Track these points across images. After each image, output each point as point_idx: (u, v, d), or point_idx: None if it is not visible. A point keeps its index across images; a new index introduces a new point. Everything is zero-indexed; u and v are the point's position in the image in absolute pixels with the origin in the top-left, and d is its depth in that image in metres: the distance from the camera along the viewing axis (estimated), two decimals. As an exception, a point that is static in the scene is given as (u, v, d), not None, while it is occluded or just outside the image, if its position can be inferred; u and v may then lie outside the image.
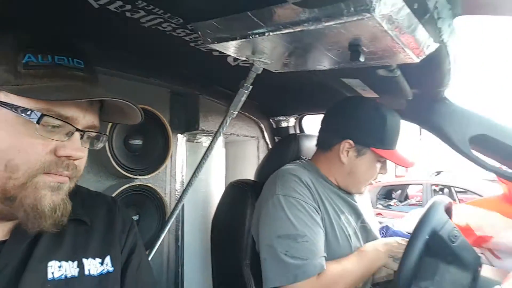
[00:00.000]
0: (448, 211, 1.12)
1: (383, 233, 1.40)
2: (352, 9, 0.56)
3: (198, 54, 1.04)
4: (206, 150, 1.05)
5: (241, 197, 1.26)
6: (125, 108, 0.63)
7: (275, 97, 1.65)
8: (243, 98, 0.97)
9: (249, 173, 1.78)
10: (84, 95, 0.58)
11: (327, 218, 1.09)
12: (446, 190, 6.37)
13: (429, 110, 1.27)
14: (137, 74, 1.28)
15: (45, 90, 0.56)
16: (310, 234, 1.02)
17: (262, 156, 1.86)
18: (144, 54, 1.16)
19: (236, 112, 1.00)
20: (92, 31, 0.92)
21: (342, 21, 0.59)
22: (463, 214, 1.36)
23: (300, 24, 0.63)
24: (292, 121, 1.90)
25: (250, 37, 0.72)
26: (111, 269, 0.68)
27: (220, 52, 0.87)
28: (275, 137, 1.92)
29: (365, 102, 1.18)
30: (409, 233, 1.35)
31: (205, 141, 1.62)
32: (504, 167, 1.25)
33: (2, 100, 0.55)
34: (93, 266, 0.66)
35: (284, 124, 1.89)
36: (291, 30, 0.66)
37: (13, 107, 0.54)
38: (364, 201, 1.32)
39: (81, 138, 0.60)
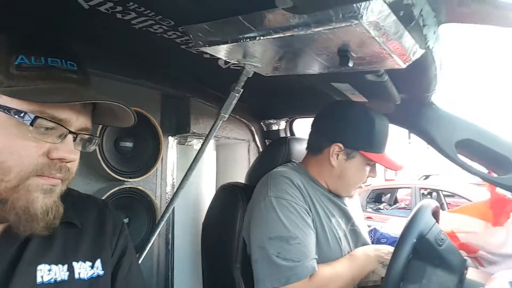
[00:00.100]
0: (435, 214, 1.15)
1: (371, 236, 1.42)
2: (340, 15, 0.57)
3: (189, 57, 1.04)
4: (197, 152, 1.06)
5: (232, 200, 1.26)
6: (118, 111, 0.64)
7: (266, 101, 1.66)
8: (234, 101, 0.98)
9: (240, 176, 1.79)
10: (78, 98, 0.58)
11: (318, 221, 1.10)
12: (434, 193, 6.46)
13: (416, 114, 1.29)
14: (128, 76, 1.28)
15: (38, 92, 0.55)
16: (302, 236, 1.02)
17: (253, 159, 1.86)
18: (135, 56, 1.16)
19: (227, 115, 1.01)
20: (82, 32, 0.92)
21: (331, 27, 0.60)
22: (448, 221, 1.39)
23: (290, 29, 0.64)
24: (282, 124, 1.91)
25: (241, 41, 0.73)
26: (101, 272, 0.68)
27: (211, 55, 0.88)
28: (266, 140, 1.93)
29: (354, 106, 1.20)
30: (396, 235, 1.37)
31: (196, 143, 1.62)
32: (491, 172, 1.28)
33: None
34: (83, 270, 0.66)
35: (274, 127, 1.90)
36: (282, 35, 0.67)
37: (6, 109, 0.54)
38: (354, 204, 1.33)
39: (74, 140, 0.60)
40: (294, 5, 0.52)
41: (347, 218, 1.22)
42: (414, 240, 0.97)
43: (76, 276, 0.64)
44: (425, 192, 6.66)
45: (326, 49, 0.74)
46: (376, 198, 7.40)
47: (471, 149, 1.26)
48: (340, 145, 1.15)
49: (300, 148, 1.35)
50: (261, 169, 1.26)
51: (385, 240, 1.41)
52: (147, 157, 1.33)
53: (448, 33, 0.83)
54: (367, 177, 1.21)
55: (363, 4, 0.55)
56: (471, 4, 0.63)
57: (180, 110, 1.48)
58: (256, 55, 0.84)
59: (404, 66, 0.79)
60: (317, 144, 1.22)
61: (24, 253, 0.59)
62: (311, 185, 1.17)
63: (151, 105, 1.40)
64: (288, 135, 1.93)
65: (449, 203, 6.22)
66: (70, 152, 0.59)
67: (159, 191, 1.45)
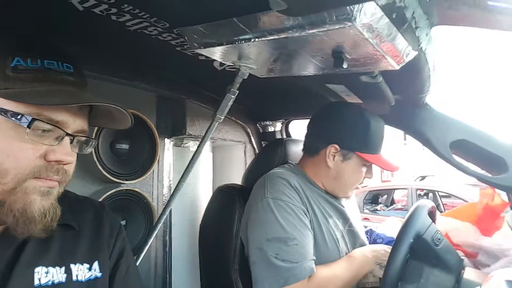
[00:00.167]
0: (432, 214, 1.15)
1: (367, 237, 1.43)
2: (334, 17, 0.58)
3: (184, 58, 1.04)
4: (193, 154, 1.06)
5: (229, 201, 1.26)
6: (115, 113, 0.64)
7: (261, 102, 1.66)
8: (230, 103, 0.99)
9: (236, 177, 1.79)
10: (75, 100, 0.58)
11: (315, 222, 1.11)
12: (430, 194, 6.49)
13: (411, 115, 1.30)
14: (123, 78, 1.28)
15: (35, 94, 0.56)
16: (300, 237, 1.02)
17: (249, 161, 1.86)
18: (130, 57, 1.16)
19: (223, 117, 1.01)
20: (76, 34, 0.92)
21: (325, 29, 0.61)
22: (441, 224, 1.40)
23: (285, 31, 0.65)
24: (278, 126, 1.92)
25: (236, 42, 0.73)
26: (99, 274, 0.68)
27: (206, 56, 0.88)
28: (262, 142, 1.93)
29: (350, 107, 1.21)
30: (392, 236, 1.38)
31: (192, 145, 1.62)
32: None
33: None
34: (81, 272, 0.66)
35: (270, 129, 1.91)
36: (276, 37, 0.67)
37: (2, 111, 0.54)
38: (351, 205, 1.34)
39: (71, 142, 0.60)
40: (288, 8, 0.52)
41: (344, 219, 1.22)
42: (411, 240, 0.98)
43: (74, 278, 0.64)
44: (422, 193, 6.69)
45: (321, 50, 0.74)
46: (373, 199, 7.42)
47: (466, 150, 1.27)
48: (336, 146, 1.15)
49: (296, 150, 1.35)
50: (257, 171, 1.26)
51: (381, 240, 1.42)
52: (143, 159, 1.33)
53: (441, 35, 0.84)
54: (364, 178, 1.22)
55: (356, 6, 0.56)
56: (462, 7, 0.64)
57: (176, 112, 1.48)
58: (251, 56, 0.84)
59: (397, 67, 0.80)
60: (313, 146, 1.22)
61: (22, 255, 0.59)
62: (308, 186, 1.17)
63: (147, 107, 1.40)
64: (284, 136, 1.93)
65: (445, 204, 6.25)
66: (67, 154, 0.59)
67: (156, 193, 1.45)
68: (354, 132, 1.15)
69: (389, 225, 1.54)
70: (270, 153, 1.35)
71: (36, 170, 0.56)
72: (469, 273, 1.00)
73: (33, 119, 0.54)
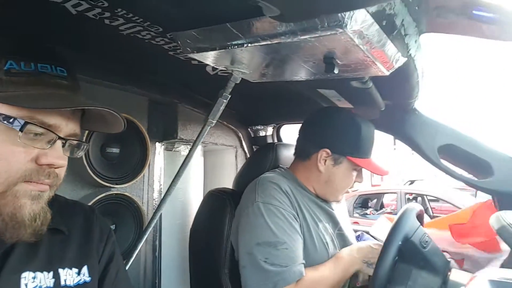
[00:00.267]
0: (419, 217, 1.17)
1: (358, 241, 1.44)
2: (326, 24, 0.59)
3: (177, 63, 1.04)
4: (185, 158, 1.05)
5: (220, 205, 1.26)
6: (107, 117, 0.64)
7: (253, 107, 1.67)
8: (222, 107, 0.99)
9: (227, 182, 1.79)
10: (68, 104, 0.58)
11: (305, 226, 1.11)
12: (419, 198, 6.57)
13: (400, 120, 1.33)
14: (115, 81, 1.27)
15: (28, 98, 0.55)
16: (290, 241, 1.03)
17: (240, 165, 1.87)
18: (123, 61, 1.16)
19: (215, 121, 1.01)
20: (69, 38, 0.92)
21: (317, 35, 0.62)
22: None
23: (277, 36, 0.66)
24: (270, 130, 1.93)
25: (229, 47, 0.74)
26: (88, 279, 0.67)
27: (199, 61, 0.89)
28: (253, 146, 1.94)
29: (341, 112, 1.22)
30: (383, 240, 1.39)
31: (183, 149, 1.61)
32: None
33: None
34: (70, 277, 0.65)
35: (262, 133, 1.92)
36: (269, 42, 0.68)
37: None
38: (341, 209, 1.35)
39: (63, 146, 0.60)
40: (281, 14, 0.53)
41: (334, 222, 1.23)
42: (400, 243, 0.99)
43: (62, 283, 0.63)
44: (411, 197, 6.77)
45: (312, 56, 0.75)
46: (363, 203, 7.48)
47: (453, 154, 1.30)
48: (328, 150, 1.16)
49: (287, 154, 1.36)
50: (248, 175, 1.26)
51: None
52: (134, 163, 1.32)
53: (430, 43, 0.87)
54: (354, 182, 1.23)
55: (347, 13, 0.57)
56: (449, 15, 0.66)
57: (168, 116, 1.48)
58: (244, 61, 0.85)
59: (387, 73, 0.81)
60: (304, 150, 1.23)
61: (8, 261, 0.58)
62: (299, 190, 1.18)
63: (138, 111, 1.40)
64: (275, 141, 1.94)
65: (434, 208, 6.35)
66: (59, 158, 0.58)
67: (146, 197, 1.44)
68: (345, 137, 1.16)
69: (381, 227, 1.55)
70: (261, 157, 1.35)
71: (28, 173, 0.56)
72: (455, 275, 1.02)
73: (26, 123, 0.54)
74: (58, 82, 0.59)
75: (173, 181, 1.07)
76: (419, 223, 1.10)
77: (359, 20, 0.58)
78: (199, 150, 1.76)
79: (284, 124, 1.94)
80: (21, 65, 0.56)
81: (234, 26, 0.69)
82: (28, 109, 0.55)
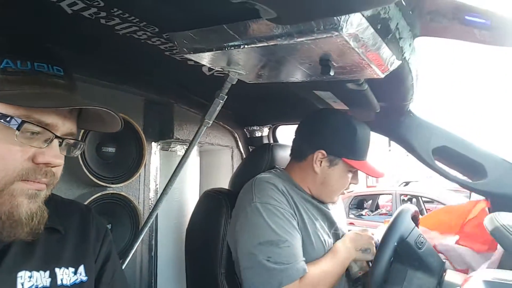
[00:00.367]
0: (415, 218, 1.18)
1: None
2: (322, 27, 0.60)
3: (173, 63, 1.05)
4: (181, 158, 1.06)
5: (216, 205, 1.27)
6: (104, 116, 0.64)
7: (249, 107, 1.68)
8: (218, 108, 0.99)
9: (223, 182, 1.79)
10: (66, 103, 0.58)
11: (302, 225, 1.12)
12: (414, 199, 6.61)
13: (395, 122, 1.34)
14: (111, 81, 1.27)
15: (25, 97, 0.55)
16: (291, 238, 1.04)
17: (236, 165, 1.87)
18: (118, 61, 1.16)
19: (211, 121, 1.01)
20: (65, 37, 0.91)
21: (313, 37, 0.63)
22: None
23: (274, 38, 0.66)
24: (266, 131, 1.93)
25: (226, 49, 0.74)
26: (84, 278, 0.67)
27: (195, 62, 0.89)
28: (249, 147, 1.94)
29: (337, 114, 1.23)
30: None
31: (179, 149, 1.61)
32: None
33: None
34: (66, 276, 0.65)
35: (258, 134, 1.92)
36: (265, 44, 0.69)
37: None
38: (337, 210, 1.36)
39: (60, 145, 0.60)
40: (278, 16, 0.53)
41: (330, 222, 1.24)
42: (395, 244, 1.00)
43: (59, 282, 0.63)
44: (405, 198, 6.81)
45: (309, 58, 0.76)
46: (358, 204, 7.51)
47: (448, 156, 1.31)
48: (323, 152, 1.17)
49: (283, 155, 1.37)
50: (244, 175, 1.27)
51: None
52: (130, 162, 1.32)
53: (424, 46, 0.88)
54: (349, 183, 1.24)
55: (343, 17, 0.58)
56: (442, 20, 0.67)
57: (164, 116, 1.47)
58: (240, 62, 0.85)
59: (382, 76, 0.82)
60: (300, 151, 1.24)
61: (4, 260, 0.58)
62: (295, 191, 1.19)
63: (134, 110, 1.40)
64: (271, 141, 1.95)
65: (428, 209, 6.37)
66: (56, 156, 0.59)
67: (142, 197, 1.44)
68: (341, 138, 1.17)
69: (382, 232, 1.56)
70: (257, 158, 1.36)
71: (24, 172, 0.56)
72: (450, 275, 1.04)
73: (23, 122, 0.54)
74: (54, 81, 0.59)
75: (169, 181, 1.07)
76: (414, 224, 1.11)
77: (354, 24, 0.59)
78: (195, 150, 1.76)
79: (280, 125, 1.95)
80: (18, 64, 0.56)
81: (231, 27, 0.69)
82: (25, 108, 0.55)
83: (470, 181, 1.31)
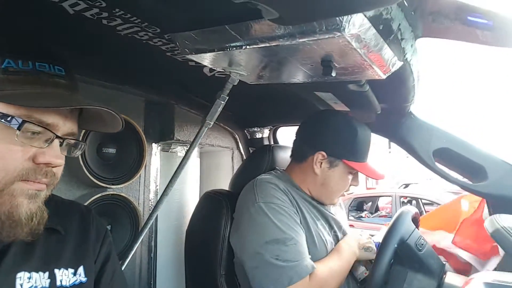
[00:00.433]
0: (415, 220, 1.18)
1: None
2: (324, 27, 0.60)
3: (174, 64, 1.05)
4: (182, 159, 1.05)
5: (216, 207, 1.26)
6: (105, 116, 0.64)
7: (249, 109, 1.68)
8: (220, 109, 0.99)
9: (224, 183, 1.79)
10: (67, 103, 0.58)
11: (304, 224, 1.12)
12: (414, 202, 6.60)
13: (396, 124, 1.34)
14: (112, 82, 1.27)
15: (26, 96, 0.55)
16: (296, 236, 1.03)
17: (236, 167, 1.87)
18: (120, 62, 1.16)
19: (212, 122, 1.01)
20: (66, 37, 0.91)
21: (315, 38, 0.63)
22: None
23: (276, 39, 0.66)
24: (266, 132, 1.93)
25: (228, 49, 0.74)
26: (84, 279, 0.67)
27: (196, 62, 0.89)
28: (250, 148, 1.94)
29: (338, 115, 1.23)
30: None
31: (179, 151, 1.61)
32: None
33: None
34: (66, 277, 0.64)
35: (258, 135, 1.92)
36: (267, 45, 0.69)
37: None
38: (338, 212, 1.35)
39: (61, 145, 0.60)
40: (280, 17, 0.53)
41: (331, 224, 1.24)
42: (396, 245, 1.00)
43: (58, 283, 0.63)
44: (405, 200, 6.80)
45: (310, 59, 0.76)
46: (358, 206, 7.51)
47: (448, 158, 1.31)
48: (324, 153, 1.17)
49: (283, 156, 1.36)
50: (245, 177, 1.26)
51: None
52: (130, 163, 1.31)
53: (425, 47, 0.88)
54: (350, 185, 1.24)
55: (345, 17, 0.58)
56: (444, 21, 0.67)
57: (164, 117, 1.47)
58: (242, 63, 0.85)
59: (384, 77, 0.82)
60: (301, 152, 1.24)
61: (3, 261, 0.58)
62: (296, 192, 1.19)
63: (135, 111, 1.40)
64: (272, 143, 1.95)
65: (428, 211, 6.36)
66: (56, 157, 0.58)
67: (142, 198, 1.43)
68: (341, 140, 1.17)
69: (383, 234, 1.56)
70: (258, 159, 1.35)
71: (25, 172, 0.55)
72: (450, 278, 1.03)
73: (24, 121, 0.54)
74: (56, 81, 0.59)
75: (170, 182, 1.07)
76: (414, 226, 1.11)
77: (356, 24, 0.59)
78: (195, 151, 1.76)
79: (280, 126, 1.94)
80: (19, 64, 0.56)
81: (233, 28, 0.69)
82: (26, 108, 0.55)
83: (471, 183, 1.31)
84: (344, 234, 1.27)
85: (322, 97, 1.24)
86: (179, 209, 1.63)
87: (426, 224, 1.49)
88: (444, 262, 1.13)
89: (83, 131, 1.14)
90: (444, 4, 0.66)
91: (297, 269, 0.98)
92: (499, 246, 1.15)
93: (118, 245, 1.24)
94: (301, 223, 1.11)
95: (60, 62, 0.61)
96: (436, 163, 1.31)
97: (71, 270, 0.66)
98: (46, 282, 0.62)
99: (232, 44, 0.72)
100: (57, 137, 0.58)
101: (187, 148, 1.06)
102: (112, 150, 1.28)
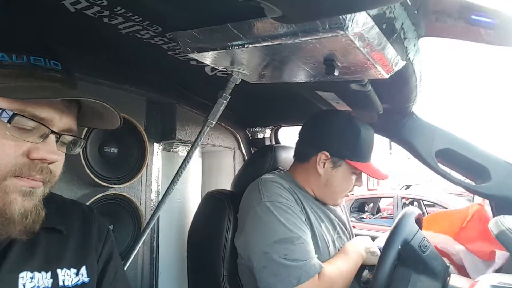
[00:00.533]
0: (418, 221, 1.17)
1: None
2: (327, 26, 0.59)
3: (176, 63, 1.04)
4: (184, 159, 1.05)
5: (219, 207, 1.26)
6: (103, 112, 0.62)
7: (251, 109, 1.67)
8: (222, 108, 0.99)
9: (225, 183, 1.79)
10: (58, 95, 0.56)
11: (309, 224, 1.11)
12: (415, 203, 6.58)
13: (398, 124, 1.33)
14: (113, 81, 1.27)
15: (19, 90, 0.54)
16: (304, 235, 1.03)
17: (238, 167, 1.87)
18: (121, 61, 1.16)
19: (214, 122, 1.01)
20: (67, 35, 0.91)
21: (318, 36, 0.62)
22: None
23: (278, 37, 0.66)
24: (268, 132, 1.93)
25: (230, 48, 0.74)
26: (86, 279, 0.66)
27: (198, 61, 0.88)
28: (251, 148, 1.94)
29: (341, 115, 1.22)
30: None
31: (181, 150, 1.61)
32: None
33: None
34: (68, 277, 0.64)
35: (260, 135, 1.92)
36: (270, 43, 0.68)
37: None
38: (341, 213, 1.35)
39: (57, 141, 0.58)
40: (283, 15, 0.53)
41: (334, 225, 1.24)
42: (399, 247, 0.99)
43: (61, 283, 0.62)
44: (407, 202, 6.78)
45: (313, 58, 0.75)
46: (359, 207, 7.48)
47: (451, 158, 1.30)
48: (327, 153, 1.16)
49: (286, 156, 1.36)
50: (247, 177, 1.26)
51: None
52: (132, 163, 1.31)
53: (430, 46, 0.87)
54: (353, 186, 1.23)
55: (348, 16, 0.57)
56: (447, 20, 0.66)
57: (166, 116, 1.47)
58: (244, 62, 0.85)
59: (387, 76, 0.82)
60: (304, 152, 1.23)
61: (5, 260, 0.57)
62: (300, 192, 1.18)
63: (137, 111, 1.39)
64: (273, 143, 1.94)
65: (430, 212, 6.35)
66: (51, 152, 0.56)
67: (144, 198, 1.43)
68: (344, 140, 1.16)
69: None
70: (260, 159, 1.35)
71: (18, 168, 0.54)
72: (454, 280, 1.02)
73: (14, 114, 0.52)
74: (51, 75, 0.58)
75: (172, 181, 1.07)
76: (418, 227, 1.10)
77: (360, 23, 0.59)
78: (197, 151, 1.76)
79: (282, 126, 1.94)
80: (13, 58, 0.55)
81: (235, 26, 0.69)
82: (19, 102, 0.53)
83: (474, 184, 1.30)
84: (349, 234, 1.26)
85: (324, 97, 1.23)
86: (181, 209, 1.63)
87: (429, 226, 1.48)
88: (448, 264, 1.12)
89: (85, 130, 1.13)
90: (448, 3, 0.66)
91: (305, 268, 0.97)
92: (496, 251, 1.15)
93: (120, 245, 1.24)
94: (305, 222, 1.10)
95: (57, 57, 0.60)
96: (439, 164, 1.30)
97: (73, 270, 0.65)
98: (49, 282, 0.61)
99: (234, 43, 0.72)
100: (53, 132, 0.57)
101: (189, 148, 1.06)
102: (114, 150, 1.27)
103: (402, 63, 0.80)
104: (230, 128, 1.81)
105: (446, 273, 1.04)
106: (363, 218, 6.96)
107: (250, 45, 0.70)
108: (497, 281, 0.75)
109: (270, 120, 1.86)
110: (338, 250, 1.19)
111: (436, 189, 6.77)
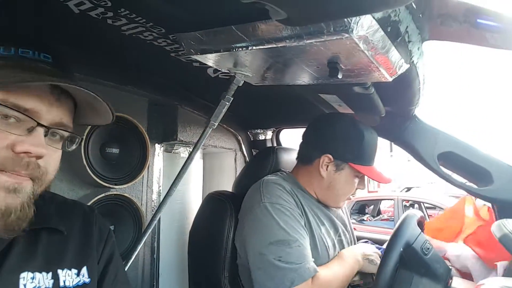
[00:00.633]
0: (420, 224, 1.17)
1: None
2: (332, 29, 0.59)
3: (178, 65, 1.04)
4: (185, 160, 1.05)
5: (220, 208, 1.25)
6: (97, 107, 0.61)
7: (253, 110, 1.67)
8: (224, 109, 0.99)
9: (227, 185, 1.78)
10: (40, 81, 0.53)
11: (308, 227, 1.11)
12: (416, 205, 6.57)
13: (400, 127, 1.33)
14: (116, 81, 1.27)
15: (2, 78, 0.52)
16: (300, 238, 1.03)
17: (239, 169, 1.86)
18: (124, 62, 1.16)
19: (216, 123, 1.01)
20: (71, 36, 0.91)
21: (322, 39, 0.62)
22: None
23: (283, 40, 0.66)
24: (269, 134, 1.93)
25: (233, 50, 0.74)
26: (87, 280, 0.66)
27: (200, 63, 0.88)
28: (253, 150, 1.94)
29: (344, 118, 1.22)
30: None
31: (183, 151, 1.61)
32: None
33: None
34: (69, 278, 0.63)
35: (261, 137, 1.92)
36: (274, 45, 0.68)
37: None
38: (343, 215, 1.35)
39: (46, 135, 0.56)
40: (288, 17, 0.53)
41: (336, 228, 1.23)
42: (401, 249, 0.99)
43: (61, 284, 0.62)
44: (407, 204, 6.77)
45: (316, 60, 0.75)
46: (360, 209, 7.47)
47: (453, 162, 1.30)
48: (330, 156, 1.16)
49: (287, 158, 1.36)
50: (249, 178, 1.26)
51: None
52: (133, 164, 1.31)
53: (434, 50, 0.87)
54: (356, 189, 1.23)
55: (353, 19, 0.57)
56: (453, 23, 0.66)
57: (168, 117, 1.47)
58: (247, 64, 0.85)
59: (390, 79, 0.81)
60: (307, 155, 1.23)
61: (6, 260, 0.57)
62: (302, 194, 1.18)
63: (139, 111, 1.39)
64: (275, 145, 1.94)
65: (430, 215, 6.34)
66: (37, 145, 0.53)
67: (145, 199, 1.43)
68: (347, 143, 1.16)
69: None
70: (261, 161, 1.35)
71: (1, 162, 0.51)
72: (456, 283, 1.02)
73: None
74: (40, 67, 0.56)
75: (173, 183, 1.06)
76: (420, 230, 1.10)
77: (365, 26, 0.59)
78: (198, 152, 1.75)
79: (283, 129, 1.94)
80: (1, 50, 0.53)
81: (239, 28, 0.69)
82: (2, 92, 0.51)
83: (476, 187, 1.30)
84: (350, 237, 1.26)
85: (327, 100, 1.23)
86: (182, 210, 1.62)
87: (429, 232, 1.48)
88: (450, 267, 1.11)
89: (87, 130, 1.13)
90: (453, 7, 0.66)
91: (299, 271, 0.97)
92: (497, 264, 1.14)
93: (121, 245, 1.24)
94: (305, 226, 1.10)
95: (48, 50, 0.58)
96: (441, 167, 1.30)
97: (74, 271, 0.65)
98: (50, 282, 0.61)
99: (238, 45, 0.72)
100: (40, 125, 0.54)
101: (190, 149, 1.06)
102: (115, 150, 1.27)
103: (405, 66, 0.80)
104: (231, 130, 1.81)
105: (448, 276, 1.04)
106: (363, 220, 6.96)
107: (254, 47, 0.70)
108: (501, 285, 0.75)
109: (272, 122, 1.86)
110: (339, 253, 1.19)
111: (438, 192, 6.76)
